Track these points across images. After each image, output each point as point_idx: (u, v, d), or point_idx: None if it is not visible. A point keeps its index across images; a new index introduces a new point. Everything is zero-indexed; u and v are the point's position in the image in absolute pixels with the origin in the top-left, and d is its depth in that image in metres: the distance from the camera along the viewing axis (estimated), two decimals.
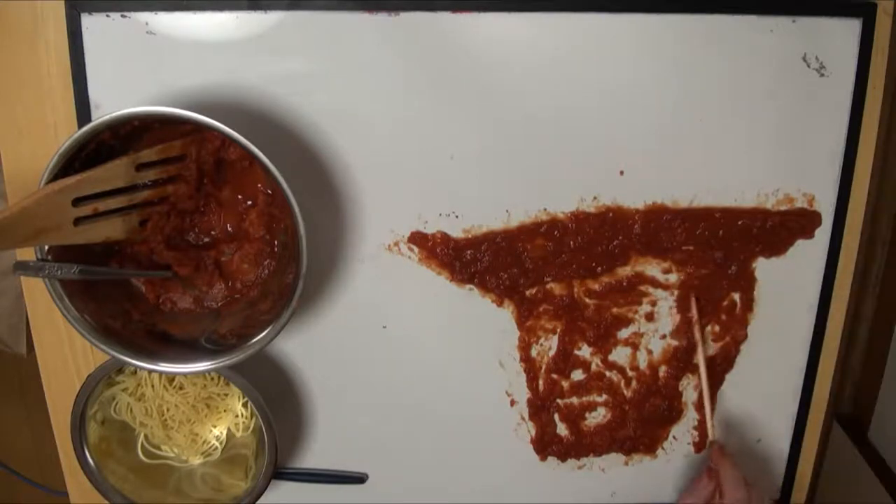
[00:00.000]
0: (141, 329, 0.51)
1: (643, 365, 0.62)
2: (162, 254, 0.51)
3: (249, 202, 0.53)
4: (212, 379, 0.59)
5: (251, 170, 0.51)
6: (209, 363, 0.48)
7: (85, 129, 0.43)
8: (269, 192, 0.52)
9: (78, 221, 0.44)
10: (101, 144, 0.46)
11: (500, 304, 0.59)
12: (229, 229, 0.53)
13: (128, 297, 0.52)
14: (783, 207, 0.58)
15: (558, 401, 0.62)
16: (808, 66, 0.54)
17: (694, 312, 0.59)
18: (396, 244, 0.57)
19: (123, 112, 0.43)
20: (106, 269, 0.50)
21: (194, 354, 0.49)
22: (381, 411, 0.61)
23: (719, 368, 0.62)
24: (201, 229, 0.53)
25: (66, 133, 0.52)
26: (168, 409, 0.59)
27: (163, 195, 0.50)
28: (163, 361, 0.48)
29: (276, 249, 0.53)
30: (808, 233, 0.59)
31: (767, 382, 0.63)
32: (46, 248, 0.45)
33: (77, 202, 0.44)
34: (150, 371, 0.56)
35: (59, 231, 0.43)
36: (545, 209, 0.57)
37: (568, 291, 0.59)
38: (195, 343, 0.51)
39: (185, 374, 0.57)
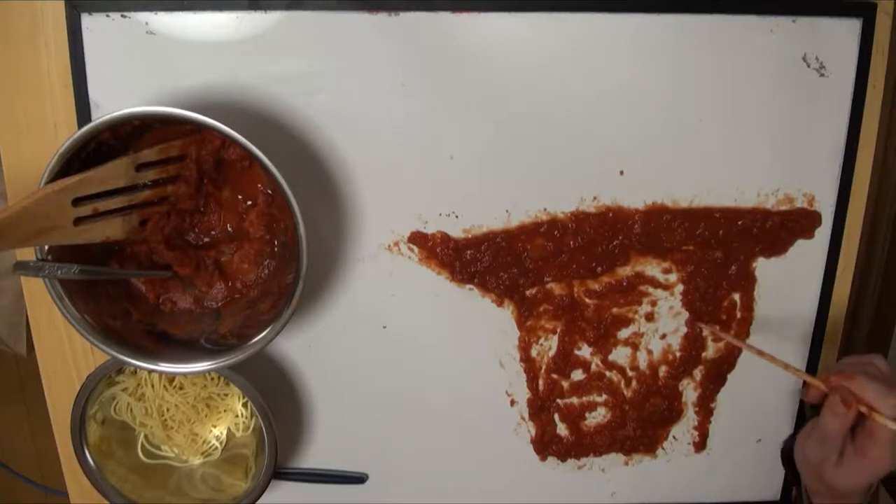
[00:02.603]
0: (141, 329, 0.51)
1: (643, 365, 0.62)
2: (162, 254, 0.51)
3: (249, 202, 0.53)
4: (212, 379, 0.59)
5: (251, 170, 0.51)
6: (209, 363, 0.48)
7: (85, 129, 0.43)
8: (269, 192, 0.52)
9: (78, 221, 0.44)
10: (101, 144, 0.46)
11: (500, 304, 0.59)
12: (229, 229, 0.53)
13: (128, 297, 0.52)
14: (783, 207, 0.58)
15: (558, 401, 0.62)
16: (808, 66, 0.54)
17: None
18: (396, 244, 0.57)
19: (123, 112, 0.43)
20: (106, 269, 0.50)
21: (194, 354, 0.49)
22: (381, 411, 0.61)
23: (720, 368, 0.62)
24: (201, 229, 0.53)
25: (66, 133, 0.52)
26: (168, 409, 0.59)
27: (163, 195, 0.50)
28: (163, 361, 0.48)
29: (276, 249, 0.53)
30: (808, 233, 0.59)
31: (767, 382, 0.63)
32: (46, 248, 0.45)
33: (77, 202, 0.44)
34: (151, 371, 0.56)
35: (58, 231, 0.43)
36: (545, 209, 0.57)
37: (568, 291, 0.59)
38: (195, 343, 0.51)
39: (184, 375, 0.57)
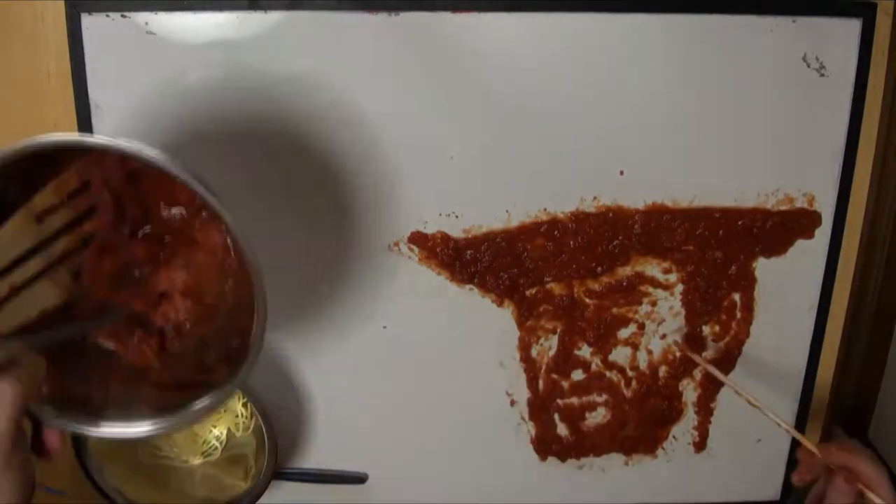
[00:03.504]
0: (129, 394, 0.44)
1: (643, 365, 0.62)
2: (114, 298, 0.43)
3: (184, 209, 0.45)
4: None
5: (165, 179, 0.42)
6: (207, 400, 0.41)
7: None
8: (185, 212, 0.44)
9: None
10: None
11: (500, 304, 0.59)
12: (172, 246, 0.45)
13: (106, 364, 0.44)
14: (783, 207, 0.58)
15: (558, 401, 0.62)
16: (808, 66, 0.54)
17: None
18: (396, 244, 0.57)
19: None
20: (47, 333, 0.40)
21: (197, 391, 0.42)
22: (381, 411, 0.61)
23: (721, 369, 0.62)
24: (144, 257, 0.45)
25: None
26: None
27: (83, 236, 0.41)
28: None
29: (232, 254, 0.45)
30: (808, 233, 0.59)
31: (768, 382, 0.63)
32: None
33: None
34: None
35: None
36: (545, 209, 0.57)
37: (568, 291, 0.59)
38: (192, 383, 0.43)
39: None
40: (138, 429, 0.42)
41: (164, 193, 0.44)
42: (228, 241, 0.44)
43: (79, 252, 0.41)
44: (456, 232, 0.57)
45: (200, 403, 0.41)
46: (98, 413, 0.42)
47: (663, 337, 0.61)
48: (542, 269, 0.58)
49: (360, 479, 0.64)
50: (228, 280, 0.45)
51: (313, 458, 0.63)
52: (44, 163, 0.39)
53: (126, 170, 0.42)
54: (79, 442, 0.56)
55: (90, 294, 0.43)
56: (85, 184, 0.41)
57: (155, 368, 0.45)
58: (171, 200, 0.44)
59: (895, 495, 0.49)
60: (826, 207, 0.58)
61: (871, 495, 0.49)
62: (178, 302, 0.45)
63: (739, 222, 0.58)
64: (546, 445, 0.63)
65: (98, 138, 0.35)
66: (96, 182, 0.41)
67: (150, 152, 0.34)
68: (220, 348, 0.45)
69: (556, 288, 0.58)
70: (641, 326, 0.60)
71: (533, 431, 0.63)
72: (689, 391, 0.63)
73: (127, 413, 0.42)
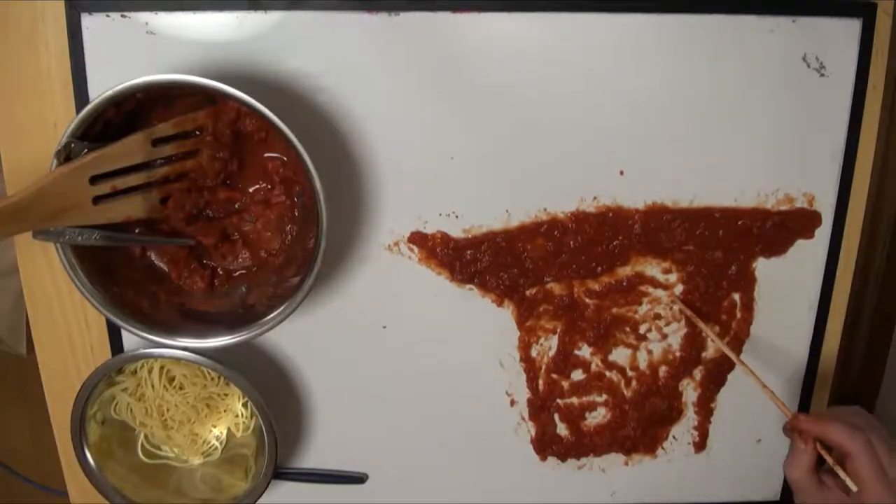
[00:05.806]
0: (171, 309, 0.51)
1: (643, 365, 0.62)
2: (184, 231, 0.51)
3: (268, 171, 0.53)
4: (212, 379, 0.59)
5: (267, 141, 0.51)
6: (234, 336, 0.49)
7: (91, 105, 0.43)
8: (285, 158, 0.52)
9: (97, 200, 0.44)
10: (109, 126, 0.45)
11: (500, 304, 0.59)
12: (249, 199, 0.53)
13: (152, 278, 0.52)
14: (783, 207, 0.58)
15: (558, 401, 0.62)
16: (808, 66, 0.54)
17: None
18: (396, 244, 0.57)
19: (128, 83, 0.43)
20: (127, 235, 0.49)
21: (228, 329, 0.50)
22: (381, 411, 0.61)
23: (720, 369, 0.62)
24: (221, 203, 0.53)
25: None
26: (168, 409, 0.58)
27: (181, 171, 0.49)
28: (186, 337, 0.49)
29: (296, 213, 0.53)
30: (808, 233, 0.59)
31: (767, 382, 0.62)
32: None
33: (95, 181, 0.44)
34: (170, 346, 0.52)
35: (78, 211, 0.43)
36: (545, 209, 0.57)
37: (568, 291, 0.59)
38: (226, 318, 0.51)
39: (206, 349, 0.54)
40: (214, 341, 0.49)
41: (256, 160, 0.52)
42: (297, 202, 0.53)
43: (173, 182, 0.49)
44: (456, 232, 0.57)
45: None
46: (173, 329, 0.50)
47: (664, 337, 0.61)
48: (542, 269, 0.58)
49: (360, 479, 0.64)
50: (286, 239, 0.53)
51: (313, 458, 0.63)
52: (176, 98, 0.48)
53: (235, 130, 0.50)
54: (79, 442, 0.55)
55: (168, 219, 0.50)
56: (199, 129, 0.49)
57: (198, 296, 0.53)
58: (261, 169, 0.52)
59: (874, 468, 0.46)
60: (826, 207, 0.58)
61: (836, 467, 0.48)
62: (238, 248, 0.53)
63: (739, 222, 0.58)
64: (546, 445, 0.63)
65: (236, 92, 0.43)
66: (208, 131, 0.49)
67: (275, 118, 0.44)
68: (262, 292, 0.52)
69: (556, 288, 0.58)
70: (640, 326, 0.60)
71: (533, 431, 0.63)
72: (689, 391, 0.63)
73: (202, 330, 0.50)
